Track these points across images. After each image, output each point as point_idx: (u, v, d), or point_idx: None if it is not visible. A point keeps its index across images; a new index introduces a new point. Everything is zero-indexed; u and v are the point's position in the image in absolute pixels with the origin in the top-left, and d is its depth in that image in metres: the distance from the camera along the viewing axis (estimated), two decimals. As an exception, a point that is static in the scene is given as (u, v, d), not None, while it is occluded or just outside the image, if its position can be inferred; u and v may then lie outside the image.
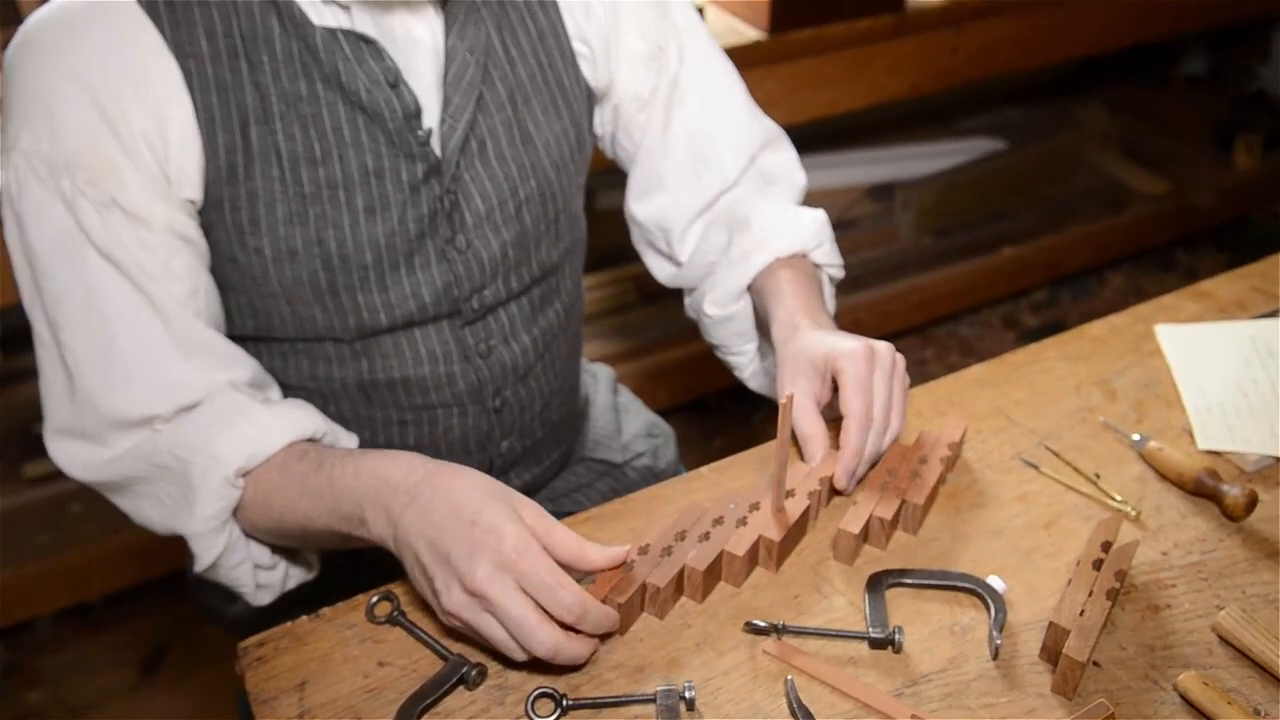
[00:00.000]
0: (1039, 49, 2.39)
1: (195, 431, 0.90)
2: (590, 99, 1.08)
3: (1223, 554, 0.89)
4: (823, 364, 0.93)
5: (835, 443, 0.93)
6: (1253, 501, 0.90)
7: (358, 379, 1.02)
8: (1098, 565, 0.84)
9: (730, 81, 1.15)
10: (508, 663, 0.79)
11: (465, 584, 0.75)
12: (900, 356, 0.94)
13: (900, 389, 0.93)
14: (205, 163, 0.88)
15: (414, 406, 1.04)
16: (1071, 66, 3.38)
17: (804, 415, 0.93)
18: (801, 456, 0.94)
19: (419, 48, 0.94)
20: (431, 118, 0.95)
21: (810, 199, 1.18)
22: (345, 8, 0.89)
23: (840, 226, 1.93)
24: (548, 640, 0.76)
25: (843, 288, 1.22)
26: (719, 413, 2.45)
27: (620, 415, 1.34)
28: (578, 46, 1.04)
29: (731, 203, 1.14)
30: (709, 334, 1.18)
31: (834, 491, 0.94)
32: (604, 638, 0.82)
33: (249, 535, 0.94)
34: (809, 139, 1.97)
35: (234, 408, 0.91)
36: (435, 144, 0.95)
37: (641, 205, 1.16)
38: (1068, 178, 3.04)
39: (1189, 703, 0.77)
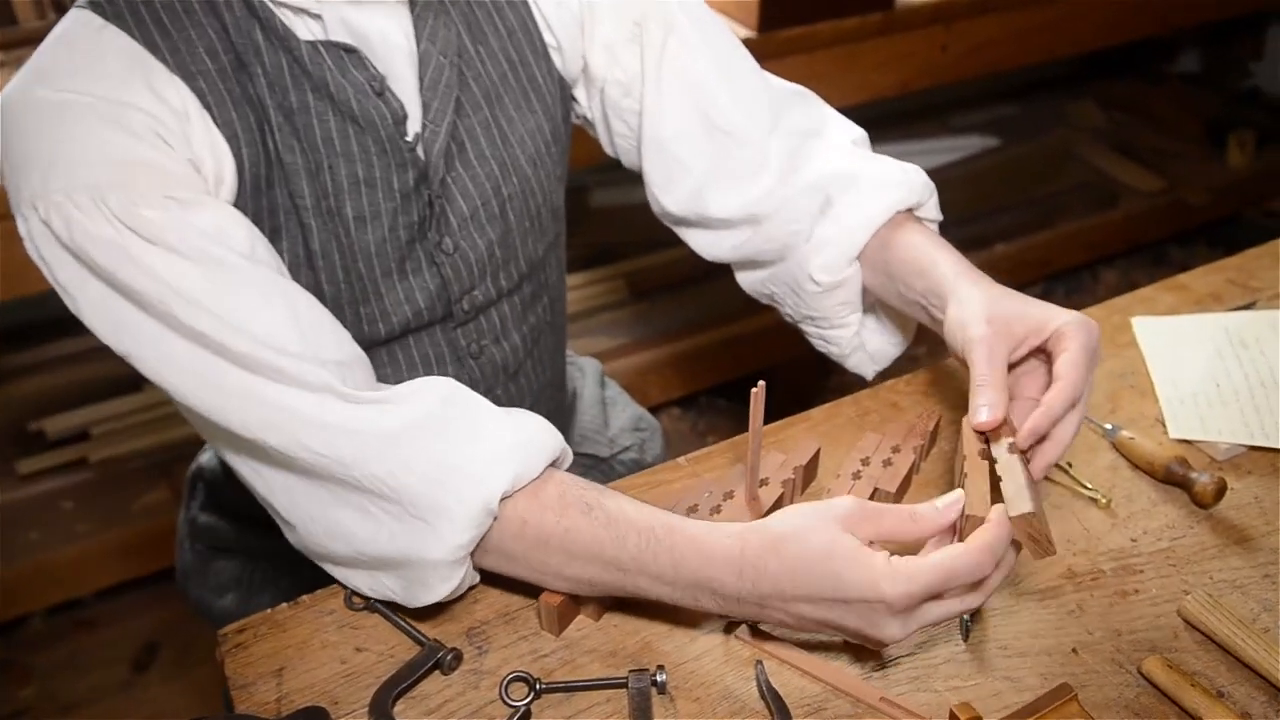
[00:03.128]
0: (1029, 47, 2.39)
1: (432, 439, 0.80)
2: (564, 89, 1.06)
3: (1191, 540, 0.90)
4: (1036, 327, 0.85)
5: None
6: (1222, 489, 0.91)
7: None
8: (984, 455, 0.81)
9: (731, 45, 1.06)
10: (480, 648, 0.80)
11: (893, 609, 0.72)
12: None
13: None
14: (238, 177, 0.86)
15: None
16: (1065, 64, 3.39)
17: (995, 380, 0.83)
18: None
19: (396, 53, 0.92)
20: (414, 123, 0.93)
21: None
22: (317, 17, 0.88)
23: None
24: (994, 578, 0.75)
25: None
26: (710, 410, 2.46)
27: (607, 409, 1.34)
28: (548, 38, 1.02)
29: (793, 166, 1.03)
30: (807, 306, 1.06)
31: (807, 481, 0.95)
32: None
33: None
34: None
35: (473, 412, 0.83)
36: (419, 149, 0.93)
37: (670, 196, 1.06)
38: (1061, 174, 3.05)
39: (1154, 685, 0.78)
